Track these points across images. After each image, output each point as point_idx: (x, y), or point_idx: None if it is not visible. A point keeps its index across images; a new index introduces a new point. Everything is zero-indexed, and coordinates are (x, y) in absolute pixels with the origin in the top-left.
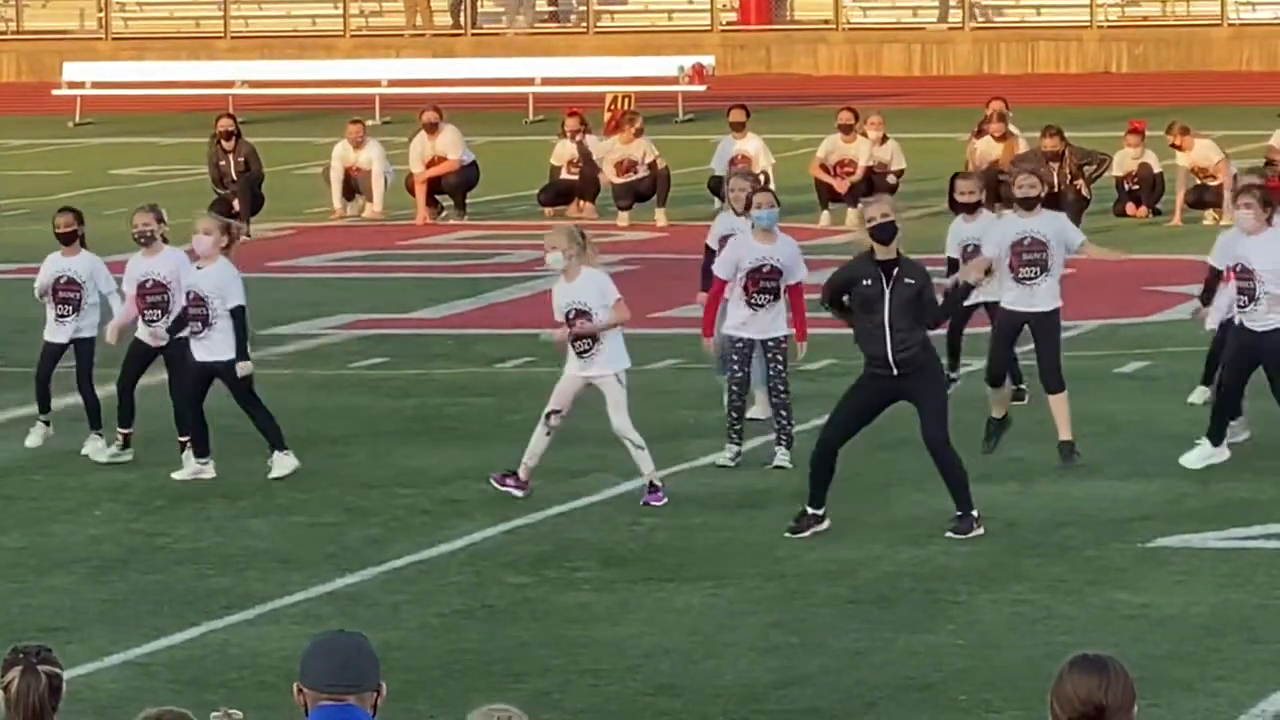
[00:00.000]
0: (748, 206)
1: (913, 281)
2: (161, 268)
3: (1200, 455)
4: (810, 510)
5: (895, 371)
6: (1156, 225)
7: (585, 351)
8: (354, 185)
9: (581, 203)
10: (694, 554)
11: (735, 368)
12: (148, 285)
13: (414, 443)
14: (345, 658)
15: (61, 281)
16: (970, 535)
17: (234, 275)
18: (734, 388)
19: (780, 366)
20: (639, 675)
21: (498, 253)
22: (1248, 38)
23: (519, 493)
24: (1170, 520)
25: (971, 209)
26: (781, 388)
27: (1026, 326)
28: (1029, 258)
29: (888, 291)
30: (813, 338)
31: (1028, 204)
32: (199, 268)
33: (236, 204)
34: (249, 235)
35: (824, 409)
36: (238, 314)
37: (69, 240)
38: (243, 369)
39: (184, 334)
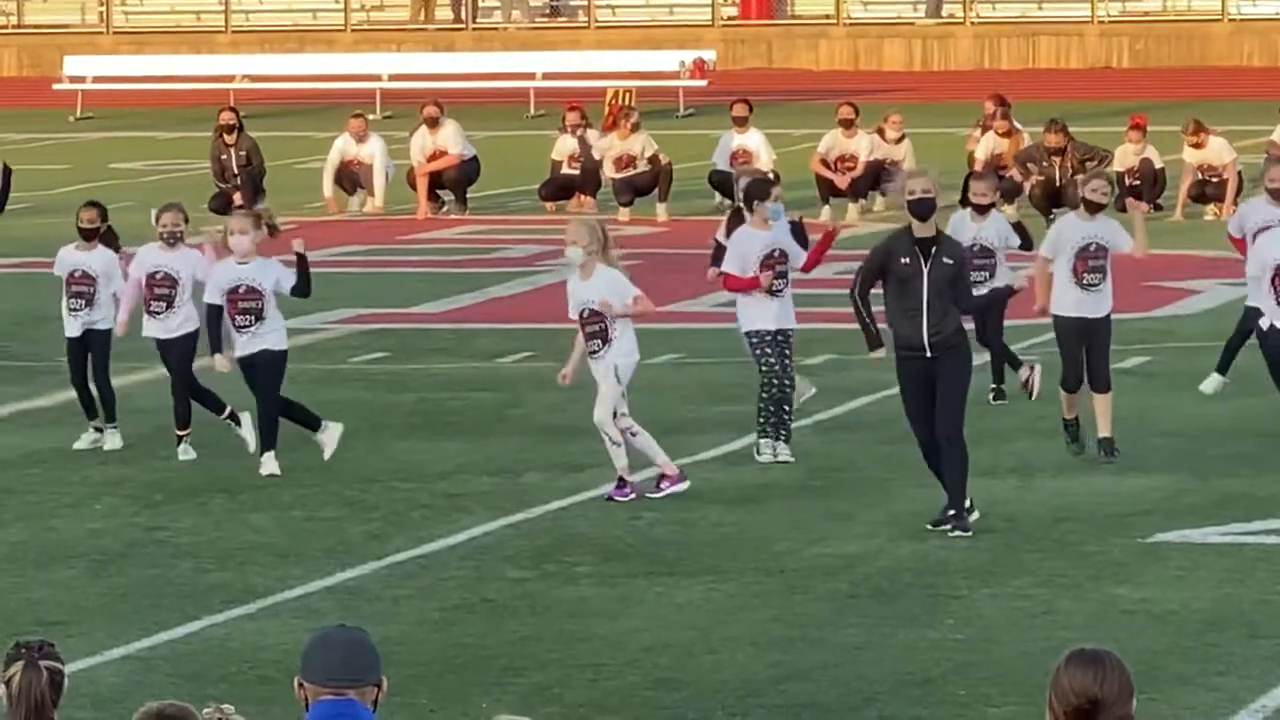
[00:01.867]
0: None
1: (950, 261)
2: (176, 263)
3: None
4: (952, 510)
5: (929, 354)
6: (1158, 220)
7: (595, 353)
8: (355, 180)
9: (582, 198)
10: (693, 548)
11: (772, 360)
12: (158, 277)
13: (414, 437)
14: (346, 653)
15: (76, 275)
16: (971, 530)
17: (276, 265)
18: (771, 380)
19: (787, 361)
20: (638, 669)
21: (499, 247)
22: (1248, 33)
23: (683, 485)
24: (1170, 515)
25: (984, 210)
26: (788, 384)
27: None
28: (1095, 263)
29: (926, 270)
30: (812, 332)
31: (1094, 208)
32: (240, 263)
33: (238, 198)
34: None
35: (824, 404)
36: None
37: (90, 236)
38: (298, 244)
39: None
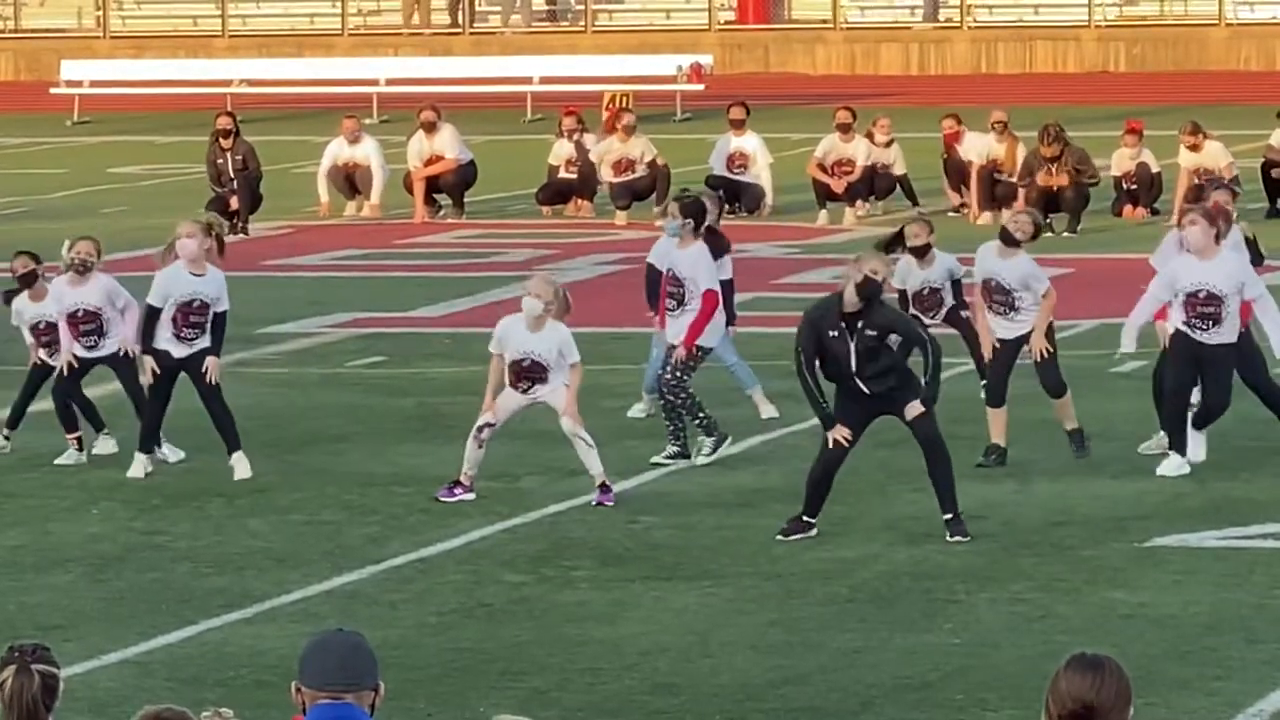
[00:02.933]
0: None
1: (874, 332)
2: (91, 296)
3: (1174, 465)
4: (805, 518)
5: (869, 392)
6: (1154, 225)
7: (527, 390)
8: (354, 183)
9: (580, 202)
10: (691, 553)
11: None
12: (79, 315)
13: (412, 441)
14: (343, 657)
15: (41, 326)
16: (969, 535)
17: (224, 282)
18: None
19: (673, 371)
20: (636, 674)
21: (496, 252)
22: (1245, 37)
23: (470, 496)
24: (1168, 519)
25: (922, 252)
26: (669, 395)
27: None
28: (998, 298)
29: (852, 344)
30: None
31: (1010, 241)
32: (195, 274)
33: (234, 202)
34: (246, 234)
35: None
36: (222, 318)
37: (30, 281)
38: (213, 366)
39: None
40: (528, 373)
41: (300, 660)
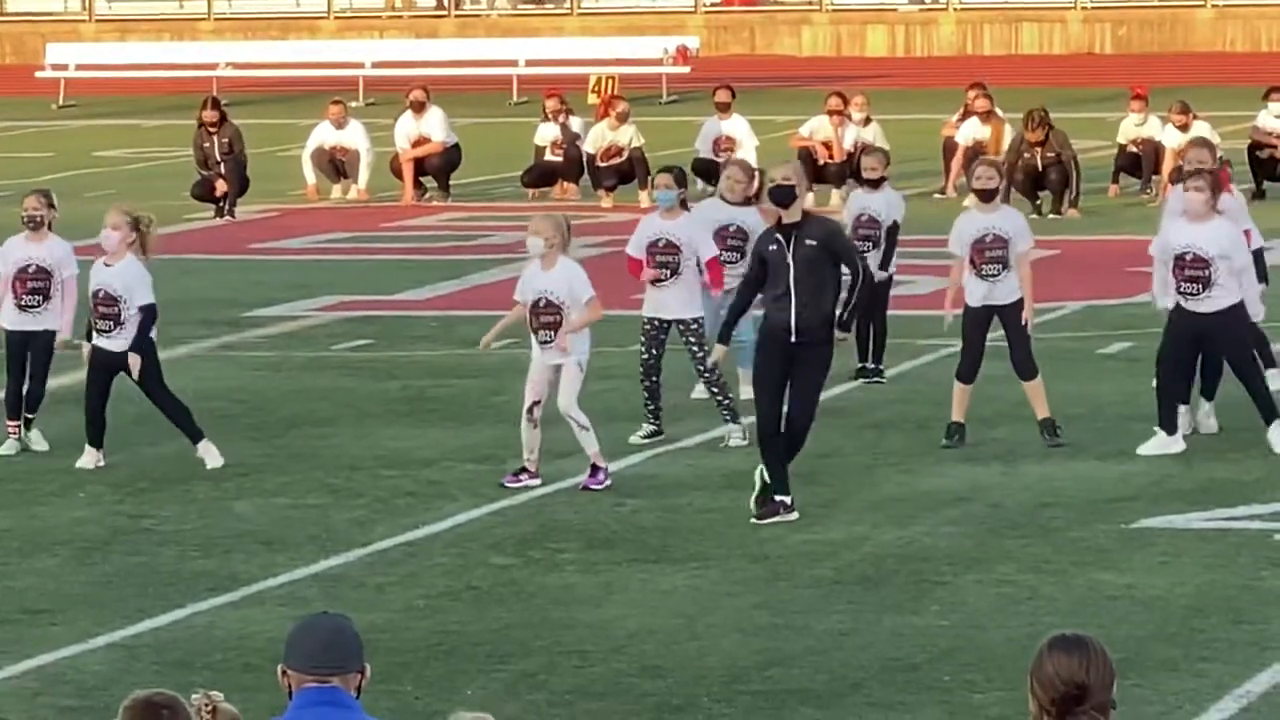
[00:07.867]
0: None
1: (813, 241)
2: (45, 254)
3: (1157, 445)
4: (777, 497)
5: (793, 339)
6: (1140, 207)
7: (547, 342)
8: (339, 167)
9: (565, 184)
10: (678, 535)
11: (642, 350)
12: (30, 271)
13: (398, 424)
14: (329, 639)
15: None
16: (774, 518)
17: (142, 274)
18: (640, 370)
19: (695, 350)
20: (624, 656)
21: (482, 234)
22: (1231, 18)
23: (535, 481)
24: (1154, 501)
25: (874, 184)
26: (703, 370)
27: (996, 318)
28: (991, 254)
29: (789, 254)
30: None
31: (986, 196)
32: (106, 264)
33: (221, 185)
34: (233, 217)
35: None
36: (147, 310)
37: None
38: (133, 363)
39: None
40: (543, 313)
41: (286, 643)
